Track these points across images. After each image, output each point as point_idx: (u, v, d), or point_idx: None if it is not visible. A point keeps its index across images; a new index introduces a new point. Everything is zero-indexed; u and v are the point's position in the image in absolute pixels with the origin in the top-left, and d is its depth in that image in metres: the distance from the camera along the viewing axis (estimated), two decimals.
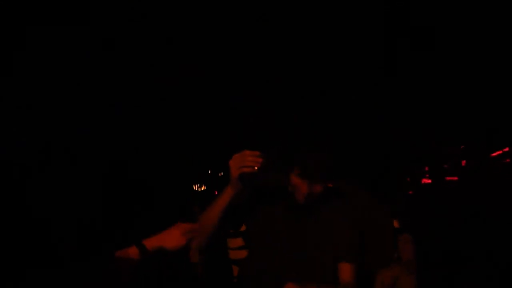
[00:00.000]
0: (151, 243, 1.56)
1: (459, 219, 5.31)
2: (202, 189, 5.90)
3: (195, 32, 4.64)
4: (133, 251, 1.59)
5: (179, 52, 4.70)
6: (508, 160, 5.85)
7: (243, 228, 1.71)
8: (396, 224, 2.21)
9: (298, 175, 1.53)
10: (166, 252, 1.48)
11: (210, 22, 4.59)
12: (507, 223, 4.74)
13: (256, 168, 1.27)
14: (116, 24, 4.26)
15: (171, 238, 1.50)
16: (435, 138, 6.03)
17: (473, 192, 5.96)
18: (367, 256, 2.01)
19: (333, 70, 5.07)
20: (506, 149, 5.87)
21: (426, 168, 6.67)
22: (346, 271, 1.58)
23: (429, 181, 6.61)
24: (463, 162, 6.32)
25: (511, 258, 3.60)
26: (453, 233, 4.80)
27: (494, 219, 5.06)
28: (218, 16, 4.56)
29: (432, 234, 4.31)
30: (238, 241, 1.88)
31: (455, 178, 6.39)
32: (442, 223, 5.21)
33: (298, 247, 1.54)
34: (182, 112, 4.83)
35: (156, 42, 4.55)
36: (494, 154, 6.02)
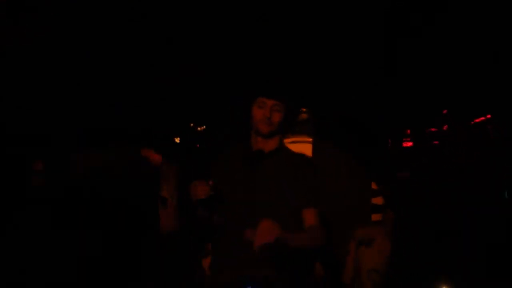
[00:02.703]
0: None
1: (438, 183, 5.22)
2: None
3: (195, 32, 4.65)
4: None
5: (179, 52, 4.71)
6: (489, 126, 5.77)
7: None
8: (374, 185, 2.17)
9: (259, 98, 1.62)
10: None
11: (210, 22, 4.60)
12: (487, 189, 4.65)
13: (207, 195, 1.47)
14: (116, 24, 4.27)
15: None
16: (418, 102, 5.95)
17: (454, 157, 5.87)
18: (342, 215, 2.01)
19: (333, 69, 5.07)
20: (489, 116, 5.81)
21: (408, 131, 6.57)
22: (309, 216, 1.59)
23: (410, 144, 6.53)
24: (445, 127, 6.24)
25: (493, 225, 3.58)
26: (432, 198, 4.71)
27: (475, 184, 4.96)
28: (218, 16, 4.57)
29: (411, 199, 4.25)
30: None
31: (436, 142, 6.31)
32: (422, 188, 5.12)
33: (258, 195, 1.56)
34: (182, 112, 4.84)
35: (156, 42, 4.56)
36: (476, 120, 5.94)
